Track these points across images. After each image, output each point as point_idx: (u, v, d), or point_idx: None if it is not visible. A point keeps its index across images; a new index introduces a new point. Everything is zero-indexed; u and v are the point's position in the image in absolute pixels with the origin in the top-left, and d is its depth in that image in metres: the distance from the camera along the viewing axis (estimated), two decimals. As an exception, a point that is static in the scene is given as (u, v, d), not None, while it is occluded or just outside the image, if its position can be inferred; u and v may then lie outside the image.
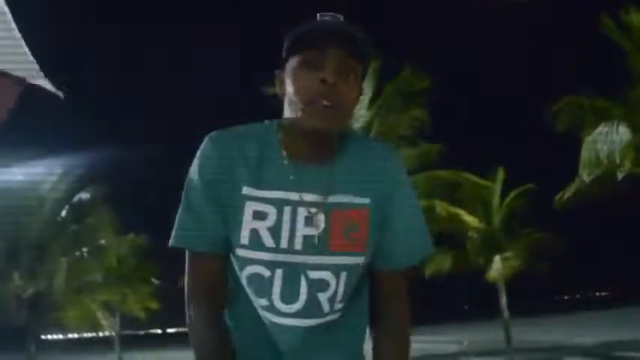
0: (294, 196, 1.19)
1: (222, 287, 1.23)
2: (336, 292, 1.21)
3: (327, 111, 1.15)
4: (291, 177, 1.19)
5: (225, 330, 1.22)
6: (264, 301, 1.20)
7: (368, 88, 14.08)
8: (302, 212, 1.19)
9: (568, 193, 12.75)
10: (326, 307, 1.21)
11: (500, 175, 18.98)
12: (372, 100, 14.48)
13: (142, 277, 23.94)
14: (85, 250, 19.54)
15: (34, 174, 18.46)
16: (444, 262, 18.13)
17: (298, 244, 1.19)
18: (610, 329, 23.48)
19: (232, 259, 1.23)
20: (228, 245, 1.21)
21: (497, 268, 18.03)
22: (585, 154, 11.97)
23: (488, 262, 18.34)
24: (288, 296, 1.19)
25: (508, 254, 18.22)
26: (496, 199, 19.01)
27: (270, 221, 1.19)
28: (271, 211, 1.19)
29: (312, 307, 1.20)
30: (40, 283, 18.06)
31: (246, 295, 1.23)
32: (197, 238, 1.21)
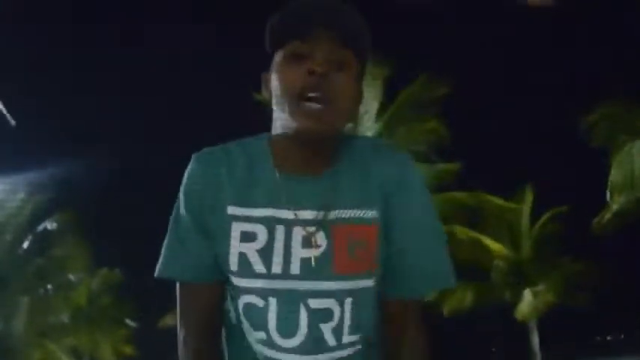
0: (287, 214, 1.18)
1: (215, 318, 1.24)
2: (341, 322, 1.18)
3: (317, 107, 1.12)
4: (284, 192, 1.18)
5: (220, 356, 1.24)
6: (261, 335, 1.20)
7: (376, 96, 14.13)
8: (298, 232, 1.17)
9: (607, 215, 12.74)
10: (331, 341, 1.19)
11: (529, 195, 18.98)
12: (381, 111, 14.54)
13: (116, 318, 23.84)
14: (50, 286, 19.48)
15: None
16: (465, 297, 18.05)
17: (295, 269, 1.17)
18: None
19: (228, 287, 1.23)
20: (217, 272, 1.21)
21: (527, 303, 17.94)
22: (616, 174, 11.96)
23: (517, 296, 18.26)
24: (287, 329, 1.18)
25: (540, 287, 18.14)
26: (524, 224, 18.99)
27: (259, 243, 1.17)
28: (261, 231, 1.18)
29: (314, 341, 1.18)
30: (-3, 325, 17.97)
31: (243, 328, 1.24)
32: (182, 267, 1.22)
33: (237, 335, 1.25)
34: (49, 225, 19.54)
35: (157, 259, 1.27)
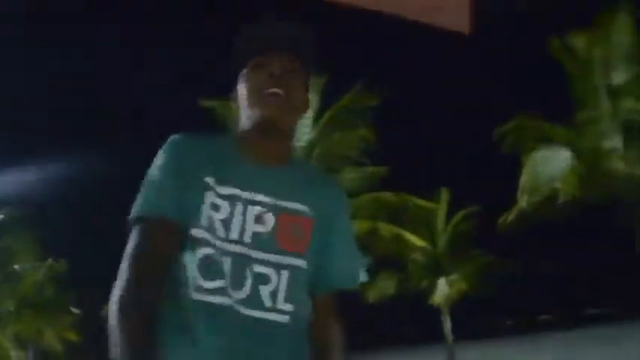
0: (246, 194, 1.32)
1: (169, 262, 1.27)
2: (277, 288, 1.31)
3: (276, 99, 1.31)
4: (246, 177, 1.33)
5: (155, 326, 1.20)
6: (217, 283, 1.27)
7: (311, 105, 14.13)
8: (253, 210, 1.32)
9: (511, 216, 13.20)
10: (267, 301, 1.30)
11: (444, 196, 19.48)
12: (316, 119, 14.53)
13: (61, 306, 22.90)
14: (-4, 276, 18.51)
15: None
16: (387, 286, 18.35)
17: (247, 239, 1.31)
18: (553, 353, 24.39)
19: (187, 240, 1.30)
20: (186, 216, 1.28)
21: (441, 291, 18.40)
22: (525, 178, 12.46)
23: (433, 285, 18.70)
24: (236, 283, 1.28)
25: (453, 277, 18.63)
26: (441, 221, 19.47)
27: (223, 214, 1.30)
28: (225, 205, 1.31)
29: (254, 298, 1.29)
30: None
31: (189, 280, 1.27)
32: (157, 204, 1.28)
33: (178, 288, 1.27)
34: (-3, 217, 18.63)
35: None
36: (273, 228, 1.32)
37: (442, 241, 19.45)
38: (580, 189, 12.12)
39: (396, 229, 15.99)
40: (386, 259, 17.11)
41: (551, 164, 12.19)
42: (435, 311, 19.26)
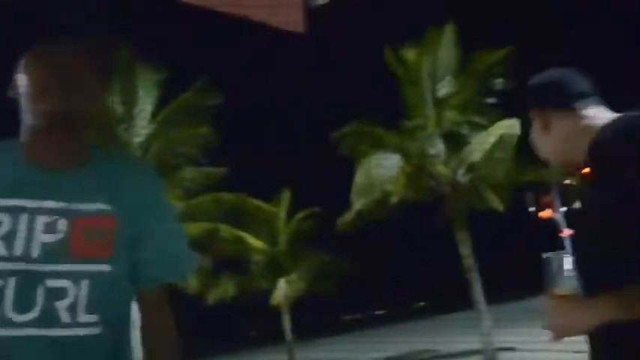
0: (32, 203, 1.22)
1: None
2: (76, 301, 1.21)
3: (61, 92, 1.19)
4: (31, 183, 1.22)
5: None
6: None
7: (151, 98, 13.64)
8: (41, 219, 1.21)
9: (348, 216, 13.88)
10: (65, 317, 1.20)
11: (286, 198, 19.90)
12: (156, 113, 14.04)
13: None
14: None
15: None
16: (228, 288, 18.29)
17: (35, 252, 1.20)
18: (387, 345, 26.06)
19: None
20: None
21: (281, 291, 18.77)
22: (359, 180, 13.23)
23: (273, 285, 18.99)
24: (23, 305, 1.18)
25: (293, 277, 19.08)
26: (281, 222, 19.84)
27: (3, 230, 1.19)
28: (6, 219, 1.20)
29: (48, 316, 1.19)
30: None
31: None
32: None
33: None
34: None
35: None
36: (67, 235, 1.22)
37: (282, 241, 19.83)
38: (408, 191, 13.12)
39: (236, 231, 15.99)
40: (226, 261, 17.06)
41: (383, 168, 13.07)
42: (276, 311, 19.56)
